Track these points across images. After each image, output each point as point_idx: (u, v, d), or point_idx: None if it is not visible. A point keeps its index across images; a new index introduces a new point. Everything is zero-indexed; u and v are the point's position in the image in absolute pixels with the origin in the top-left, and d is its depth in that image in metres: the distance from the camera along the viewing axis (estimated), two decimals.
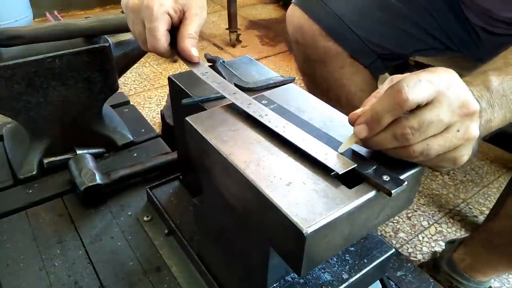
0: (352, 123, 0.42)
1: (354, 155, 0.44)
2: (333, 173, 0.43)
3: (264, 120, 0.49)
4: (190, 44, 0.57)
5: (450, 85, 0.39)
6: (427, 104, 0.38)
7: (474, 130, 0.40)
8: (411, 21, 0.82)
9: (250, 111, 0.51)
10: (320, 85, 0.88)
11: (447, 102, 0.38)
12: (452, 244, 0.97)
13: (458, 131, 0.39)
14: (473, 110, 0.39)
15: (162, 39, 0.55)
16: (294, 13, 0.84)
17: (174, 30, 0.58)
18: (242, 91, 0.61)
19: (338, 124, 0.51)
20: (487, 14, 0.77)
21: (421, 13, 0.82)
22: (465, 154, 0.41)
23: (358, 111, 0.42)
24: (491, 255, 0.85)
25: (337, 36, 0.80)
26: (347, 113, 0.52)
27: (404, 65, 1.30)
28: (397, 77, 0.41)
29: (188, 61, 0.58)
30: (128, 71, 0.99)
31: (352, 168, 0.42)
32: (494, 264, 0.87)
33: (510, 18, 0.74)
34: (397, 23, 0.81)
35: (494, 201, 1.20)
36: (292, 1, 0.86)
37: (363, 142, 0.42)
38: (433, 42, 0.84)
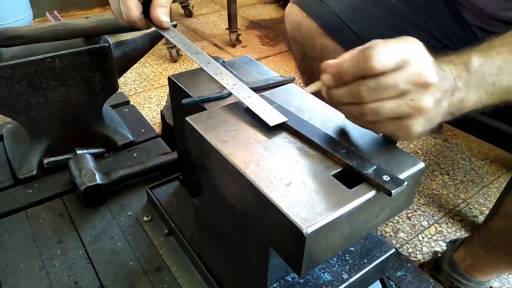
0: (323, 70, 0.45)
1: (354, 155, 0.44)
2: (333, 173, 0.43)
3: (218, 78, 0.55)
4: (160, 12, 0.61)
5: (414, 56, 0.42)
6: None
7: (427, 102, 0.42)
8: (409, 19, 0.82)
9: (207, 69, 0.56)
10: None
11: (408, 71, 0.41)
12: (453, 244, 0.97)
13: (411, 99, 0.41)
14: (429, 82, 0.41)
15: (134, 7, 0.59)
16: (292, 11, 0.84)
17: (149, 2, 0.62)
18: None
19: (338, 123, 0.51)
20: (484, 14, 0.77)
21: (419, 11, 0.82)
22: (416, 124, 0.43)
23: (332, 61, 0.45)
24: (491, 255, 0.85)
25: (334, 33, 0.80)
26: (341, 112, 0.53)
27: None
28: (375, 41, 0.43)
29: (159, 27, 0.62)
30: (128, 71, 0.99)
31: (283, 122, 0.48)
32: (494, 264, 0.87)
33: (506, 17, 0.74)
34: (394, 21, 0.82)
35: (494, 201, 1.20)
36: (290, 0, 0.86)
37: (327, 91, 0.46)
38: (430, 41, 0.84)
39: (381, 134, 0.49)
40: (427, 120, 0.43)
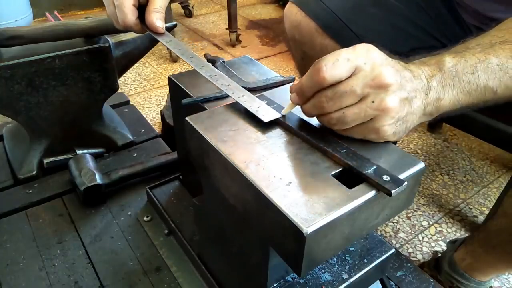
0: (290, 91, 0.48)
1: (354, 155, 0.44)
2: (333, 173, 0.43)
3: (213, 80, 0.56)
4: (155, 17, 0.62)
5: (366, 60, 0.42)
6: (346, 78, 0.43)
7: (390, 101, 0.43)
8: (408, 19, 0.82)
9: (202, 72, 0.58)
10: None
11: (362, 75, 0.42)
12: (453, 244, 0.97)
13: (372, 102, 0.42)
14: (386, 83, 0.42)
15: (129, 13, 0.60)
16: (292, 11, 0.84)
17: (144, 8, 0.63)
18: None
19: None
20: (481, 15, 0.77)
21: (418, 11, 0.82)
22: (385, 125, 0.44)
23: (296, 82, 0.48)
24: (491, 255, 0.85)
25: (333, 33, 0.81)
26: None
27: None
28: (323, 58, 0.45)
29: (155, 32, 0.64)
30: (128, 71, 0.99)
31: (277, 118, 0.50)
32: (494, 263, 0.87)
33: (503, 18, 0.74)
34: (393, 20, 0.82)
35: (494, 201, 1.20)
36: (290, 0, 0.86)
37: (301, 108, 0.48)
38: (429, 40, 0.84)
39: None
40: (397, 119, 0.44)
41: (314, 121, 0.51)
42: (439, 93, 0.46)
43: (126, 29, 0.64)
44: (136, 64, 1.00)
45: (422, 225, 1.19)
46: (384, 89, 0.42)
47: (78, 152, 0.93)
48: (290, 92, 0.48)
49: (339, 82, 0.42)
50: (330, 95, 0.43)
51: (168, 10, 1.94)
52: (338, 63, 0.42)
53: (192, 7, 2.69)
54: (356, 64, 0.42)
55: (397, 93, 0.43)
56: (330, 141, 0.46)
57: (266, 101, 0.53)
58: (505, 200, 0.79)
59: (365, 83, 0.42)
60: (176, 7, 2.69)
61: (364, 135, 0.46)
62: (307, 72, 0.44)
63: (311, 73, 0.43)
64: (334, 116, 0.44)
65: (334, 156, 0.45)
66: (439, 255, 1.01)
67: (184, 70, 0.70)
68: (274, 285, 0.52)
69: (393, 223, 1.20)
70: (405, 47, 0.86)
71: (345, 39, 0.81)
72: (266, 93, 0.56)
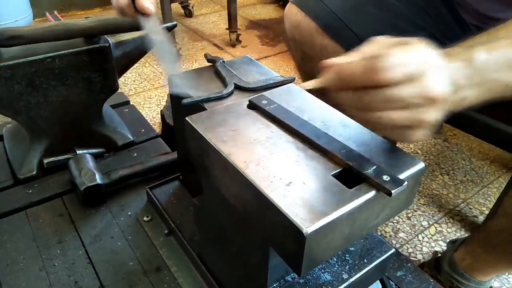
0: (325, 69, 0.45)
1: (354, 155, 0.44)
2: (333, 173, 0.43)
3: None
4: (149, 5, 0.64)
5: (424, 70, 0.41)
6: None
7: (434, 116, 0.42)
8: (408, 18, 0.82)
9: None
10: None
11: (417, 85, 0.40)
12: (453, 244, 0.97)
13: (417, 112, 0.41)
14: (438, 98, 0.41)
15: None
16: (292, 11, 0.84)
17: None
18: (242, 91, 0.62)
19: (338, 123, 0.51)
20: (481, 14, 0.77)
21: (418, 10, 0.82)
22: (418, 134, 0.43)
23: (335, 61, 0.44)
24: (491, 254, 0.85)
25: (333, 33, 0.80)
26: (344, 111, 0.53)
27: None
28: (381, 43, 0.44)
29: (143, 14, 0.65)
30: (128, 71, 0.99)
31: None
32: (494, 263, 0.87)
33: (503, 18, 0.74)
34: (393, 20, 0.82)
35: (494, 201, 1.20)
36: (290, 0, 0.86)
37: (331, 92, 0.45)
38: (429, 40, 0.84)
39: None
40: (430, 129, 0.43)
41: (314, 121, 0.51)
42: (466, 93, 0.45)
43: (120, 13, 0.67)
44: (136, 64, 1.00)
45: (422, 225, 1.19)
46: (433, 103, 0.41)
47: (78, 152, 0.93)
48: (325, 69, 0.45)
49: (393, 85, 0.41)
50: (380, 97, 0.41)
51: (168, 10, 1.94)
52: (399, 66, 0.40)
53: (192, 7, 2.69)
54: (416, 71, 0.40)
55: (443, 107, 0.42)
56: (331, 141, 0.46)
57: (265, 101, 0.53)
58: (506, 200, 0.79)
59: (418, 94, 0.40)
60: (176, 7, 2.69)
61: (392, 136, 0.45)
62: (359, 63, 0.42)
63: (366, 67, 0.41)
64: (375, 115, 0.42)
65: (334, 156, 0.45)
66: (439, 255, 1.01)
67: (184, 70, 0.70)
68: (274, 285, 0.52)
69: (393, 223, 1.20)
70: None
71: (345, 39, 0.81)
72: (266, 93, 0.56)
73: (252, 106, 0.54)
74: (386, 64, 0.40)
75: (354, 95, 0.43)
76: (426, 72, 0.41)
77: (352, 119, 0.48)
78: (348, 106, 0.44)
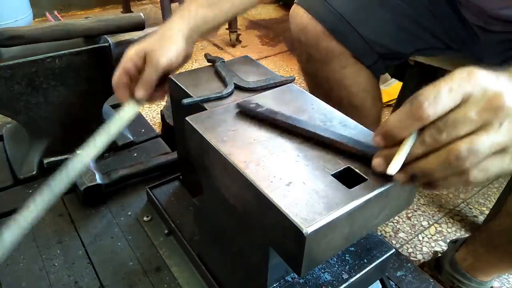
0: (376, 136, 0.40)
1: (354, 155, 0.44)
2: (333, 173, 0.43)
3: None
4: (137, 87, 0.66)
5: (473, 85, 0.36)
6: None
7: None
8: (413, 20, 0.81)
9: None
10: (322, 85, 0.88)
11: (473, 100, 0.36)
12: (454, 244, 0.97)
13: (500, 125, 0.35)
14: (507, 103, 0.35)
15: (115, 79, 0.69)
16: (298, 13, 0.84)
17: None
18: (242, 91, 0.62)
19: (338, 124, 0.51)
20: (483, 13, 0.77)
21: (423, 11, 0.82)
22: None
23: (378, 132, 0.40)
24: (492, 254, 0.85)
25: (339, 35, 0.80)
26: (348, 114, 0.52)
27: (404, 66, 1.30)
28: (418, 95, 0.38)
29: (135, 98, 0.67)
30: None
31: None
32: (496, 263, 0.86)
33: (506, 16, 0.74)
34: (398, 21, 0.81)
35: (494, 201, 1.20)
36: (295, 0, 0.86)
37: (401, 175, 0.39)
38: (434, 41, 0.84)
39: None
40: None
41: (314, 120, 0.51)
42: None
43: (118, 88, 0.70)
44: None
45: (422, 225, 1.19)
46: (508, 109, 0.35)
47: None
48: (374, 137, 0.40)
49: (448, 112, 0.36)
50: (441, 125, 0.36)
51: (168, 10, 1.94)
52: (440, 96, 0.36)
53: None
54: (462, 91, 0.36)
55: None
56: (330, 141, 0.46)
57: (254, 105, 0.52)
58: (509, 200, 0.79)
59: (481, 107, 0.35)
60: (176, 7, 2.69)
61: (503, 168, 0.37)
62: (399, 110, 0.38)
63: (409, 110, 0.37)
64: (461, 145, 0.35)
65: (334, 156, 0.45)
66: (439, 255, 1.01)
67: (184, 70, 0.70)
68: (274, 285, 0.52)
69: (393, 223, 1.19)
70: (409, 48, 0.86)
71: (352, 42, 0.80)
72: (266, 93, 0.56)
73: (241, 111, 0.53)
74: (427, 97, 0.36)
75: (418, 140, 0.37)
76: (480, 86, 0.36)
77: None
78: (429, 170, 0.37)
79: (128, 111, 0.66)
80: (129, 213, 0.84)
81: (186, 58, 0.67)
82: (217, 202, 0.55)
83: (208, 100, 0.59)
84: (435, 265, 0.98)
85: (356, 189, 0.41)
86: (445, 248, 1.06)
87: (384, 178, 0.41)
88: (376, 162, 0.41)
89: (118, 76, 0.68)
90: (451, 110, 0.36)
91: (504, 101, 0.35)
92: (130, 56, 0.66)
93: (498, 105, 0.35)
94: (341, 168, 0.44)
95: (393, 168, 0.38)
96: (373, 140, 0.40)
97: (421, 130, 0.37)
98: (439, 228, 1.18)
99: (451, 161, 0.36)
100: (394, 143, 0.39)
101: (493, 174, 0.37)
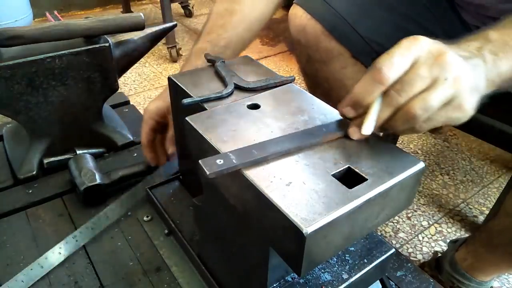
0: (341, 107, 0.47)
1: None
2: (333, 173, 0.43)
3: None
4: (170, 149, 0.77)
5: (420, 48, 0.43)
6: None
7: (462, 74, 0.42)
8: (411, 19, 0.81)
9: None
10: (322, 86, 0.88)
11: (423, 60, 0.42)
12: (454, 244, 0.97)
13: (446, 79, 0.42)
14: (450, 60, 0.42)
15: (142, 136, 0.79)
16: (297, 13, 0.84)
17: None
18: (242, 91, 0.62)
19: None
20: (481, 13, 0.77)
21: (422, 12, 0.82)
22: (467, 99, 0.43)
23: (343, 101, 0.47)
24: (492, 254, 0.85)
25: (339, 35, 0.80)
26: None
27: None
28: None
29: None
30: (128, 71, 0.99)
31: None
32: (496, 263, 0.87)
33: (505, 10, 0.74)
34: (398, 21, 0.81)
35: (494, 201, 1.20)
36: (294, 1, 0.86)
37: (378, 127, 0.45)
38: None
39: (381, 134, 0.49)
40: (474, 89, 0.44)
41: (314, 120, 0.51)
42: (494, 58, 0.47)
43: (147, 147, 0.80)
44: (136, 64, 1.00)
45: (422, 225, 1.19)
46: (450, 65, 0.42)
47: (78, 152, 0.93)
48: (341, 109, 0.47)
49: (403, 75, 0.42)
50: (399, 86, 0.42)
51: (168, 10, 1.94)
52: (394, 60, 0.42)
53: (192, 7, 2.69)
54: (412, 54, 0.42)
55: (464, 65, 0.43)
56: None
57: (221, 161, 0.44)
58: (508, 200, 0.79)
59: (430, 64, 0.42)
60: (176, 7, 2.69)
61: (448, 118, 0.44)
62: (361, 80, 0.44)
63: (370, 77, 0.43)
64: (415, 105, 0.42)
65: (334, 156, 0.45)
66: (439, 255, 1.01)
67: (184, 70, 0.70)
68: (274, 285, 0.52)
69: (393, 223, 1.20)
70: None
71: (351, 42, 0.80)
72: (266, 93, 0.56)
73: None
74: (382, 63, 0.42)
75: (384, 104, 0.43)
76: (427, 48, 0.43)
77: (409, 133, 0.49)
78: (392, 122, 0.44)
79: None
80: (129, 213, 0.84)
81: None
82: (217, 202, 0.55)
83: (208, 100, 0.59)
84: (435, 265, 0.99)
85: (356, 189, 0.41)
86: (445, 248, 1.06)
87: (384, 177, 0.42)
88: (351, 130, 0.47)
89: (145, 135, 0.77)
90: (405, 73, 0.42)
91: (447, 58, 0.42)
92: (149, 118, 0.76)
93: (443, 61, 0.42)
94: (341, 168, 0.44)
95: (367, 129, 0.44)
96: (340, 112, 0.47)
97: (384, 97, 0.43)
98: (439, 228, 1.18)
99: (409, 119, 0.43)
100: (362, 110, 0.45)
101: (440, 123, 0.44)
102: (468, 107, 0.44)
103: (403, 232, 1.17)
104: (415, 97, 0.42)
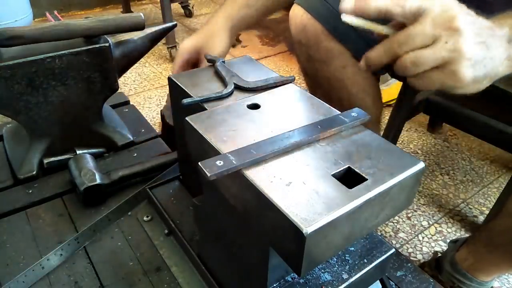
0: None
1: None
2: (333, 173, 0.43)
3: None
4: None
5: (437, 3, 0.43)
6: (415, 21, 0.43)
7: (465, 45, 0.42)
8: None
9: None
10: (322, 86, 0.88)
11: (432, 16, 0.42)
12: (455, 244, 0.97)
13: (446, 42, 0.42)
14: (458, 26, 0.42)
15: (175, 66, 0.79)
16: (297, 13, 0.83)
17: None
18: (242, 91, 0.62)
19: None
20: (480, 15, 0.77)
21: None
22: (463, 68, 0.43)
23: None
24: (493, 254, 0.85)
25: (340, 35, 0.80)
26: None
27: None
28: None
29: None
30: (128, 71, 0.99)
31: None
32: (497, 263, 0.86)
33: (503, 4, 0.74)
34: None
35: (494, 201, 1.20)
36: (294, 0, 0.85)
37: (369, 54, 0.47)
38: None
39: (381, 134, 0.49)
40: (475, 62, 0.43)
41: (314, 120, 0.51)
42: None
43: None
44: (136, 64, 1.00)
45: (422, 225, 1.19)
46: (458, 32, 0.42)
47: (78, 152, 0.93)
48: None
49: (409, 25, 0.43)
50: (402, 39, 0.43)
51: (168, 10, 1.94)
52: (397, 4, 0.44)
53: (192, 7, 2.69)
54: (426, 5, 0.43)
55: (472, 36, 0.43)
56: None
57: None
58: (509, 200, 0.79)
59: (436, 24, 0.42)
60: (176, 7, 2.68)
61: (441, 82, 0.45)
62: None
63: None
64: (408, 58, 0.44)
65: (334, 155, 0.45)
66: (439, 255, 1.01)
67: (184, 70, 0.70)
68: (274, 285, 0.52)
69: (393, 223, 1.20)
70: None
71: (352, 42, 0.80)
72: (266, 93, 0.56)
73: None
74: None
75: (383, 47, 0.46)
76: (442, 5, 0.43)
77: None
78: (382, 62, 0.47)
79: None
80: (129, 213, 0.84)
81: (228, 50, 0.81)
82: (217, 202, 0.55)
83: (208, 100, 0.59)
84: (435, 265, 0.99)
85: (356, 189, 0.41)
86: (445, 248, 1.06)
87: (384, 177, 0.41)
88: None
89: (178, 65, 0.78)
90: (413, 25, 0.43)
91: (458, 23, 0.42)
92: (184, 52, 0.77)
93: (451, 25, 0.42)
94: (341, 168, 0.44)
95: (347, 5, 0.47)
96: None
97: (388, 42, 0.45)
98: (439, 228, 1.18)
99: (403, 70, 0.45)
100: (367, 8, 0.46)
101: (433, 85, 0.45)
102: (463, 77, 0.43)
103: (403, 232, 1.17)
104: (411, 51, 0.43)
